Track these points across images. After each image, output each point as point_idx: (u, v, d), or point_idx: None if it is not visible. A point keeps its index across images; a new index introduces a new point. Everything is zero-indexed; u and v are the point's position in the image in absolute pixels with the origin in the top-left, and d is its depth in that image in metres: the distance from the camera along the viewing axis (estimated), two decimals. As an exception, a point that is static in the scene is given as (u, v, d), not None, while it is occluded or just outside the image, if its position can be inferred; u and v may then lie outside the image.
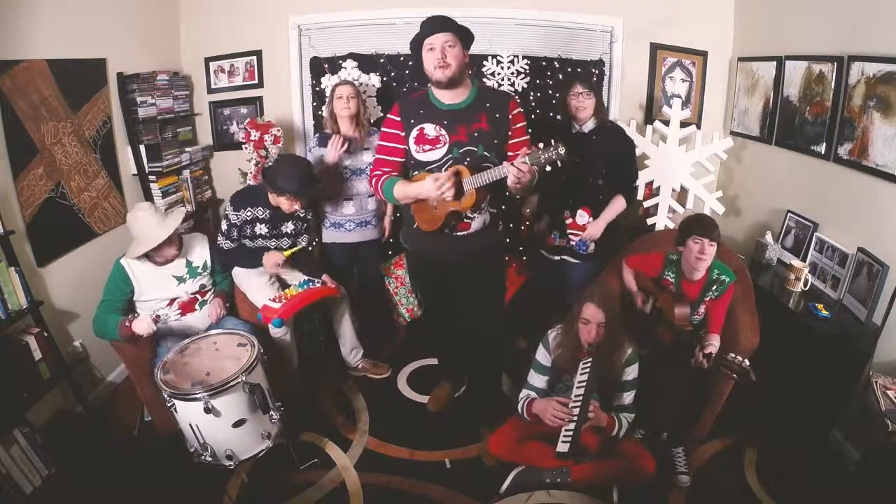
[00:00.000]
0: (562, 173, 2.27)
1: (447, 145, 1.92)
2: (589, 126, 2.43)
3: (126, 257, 2.17)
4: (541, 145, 1.72)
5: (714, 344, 2.04)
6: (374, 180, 2.04)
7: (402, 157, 2.01)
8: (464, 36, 1.88)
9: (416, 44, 1.90)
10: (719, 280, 2.11)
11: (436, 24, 1.85)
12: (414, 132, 1.95)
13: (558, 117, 3.18)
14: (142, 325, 2.03)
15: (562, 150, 1.67)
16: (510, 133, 1.94)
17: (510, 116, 1.94)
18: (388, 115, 2.03)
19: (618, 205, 2.46)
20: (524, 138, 1.97)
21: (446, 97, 1.94)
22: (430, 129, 1.93)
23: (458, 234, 2.00)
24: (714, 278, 2.12)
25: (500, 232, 2.16)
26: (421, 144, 1.95)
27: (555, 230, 2.56)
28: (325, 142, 2.57)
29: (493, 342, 2.28)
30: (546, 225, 2.59)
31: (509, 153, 1.94)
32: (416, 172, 1.99)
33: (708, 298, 2.14)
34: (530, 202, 2.99)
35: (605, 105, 3.16)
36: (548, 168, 1.74)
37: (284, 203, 2.33)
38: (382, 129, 2.04)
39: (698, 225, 2.08)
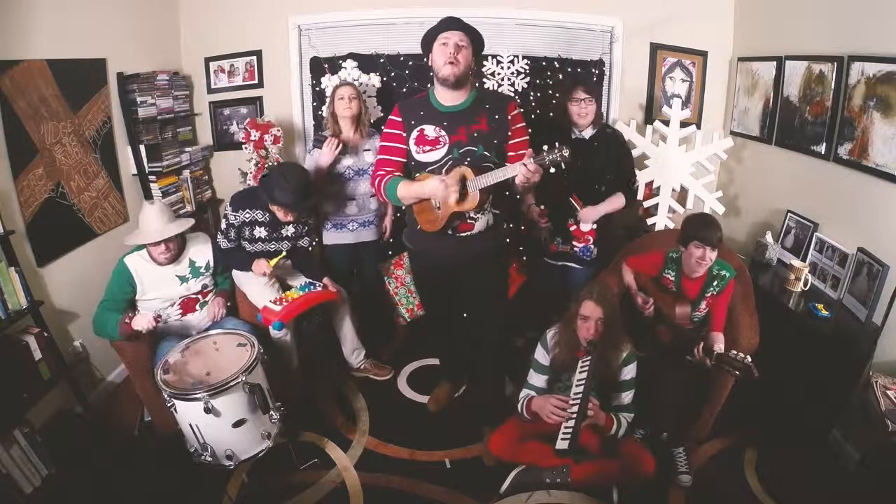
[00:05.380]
0: (564, 179, 2.27)
1: (447, 146, 1.93)
2: (589, 132, 2.41)
3: (125, 241, 2.19)
4: (545, 147, 1.73)
5: (719, 344, 2.04)
6: (376, 180, 2.04)
7: (404, 158, 2.02)
8: (476, 41, 1.92)
9: (429, 39, 1.92)
10: (720, 276, 2.11)
11: (453, 23, 1.89)
12: (414, 133, 1.97)
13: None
14: (142, 322, 2.03)
15: (566, 153, 1.70)
16: (510, 133, 1.96)
17: (509, 117, 1.96)
18: (390, 116, 2.04)
19: (617, 200, 2.44)
20: (524, 138, 1.99)
21: (447, 98, 1.95)
22: (430, 131, 1.95)
23: (462, 234, 2.01)
24: (714, 274, 2.11)
25: (504, 232, 2.16)
26: (421, 145, 1.96)
27: (558, 237, 2.54)
28: (321, 145, 2.56)
29: (495, 342, 2.28)
30: (549, 232, 2.57)
31: (510, 153, 1.96)
32: (418, 174, 1.99)
33: (709, 295, 2.14)
34: (528, 198, 2.98)
35: (604, 109, 3.15)
36: (552, 170, 1.75)
37: (279, 212, 2.33)
38: (384, 129, 2.06)
39: (701, 229, 2.04)
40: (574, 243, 2.50)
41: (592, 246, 2.48)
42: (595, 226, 2.45)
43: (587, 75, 3.19)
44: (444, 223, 1.96)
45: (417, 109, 1.99)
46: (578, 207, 2.40)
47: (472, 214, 1.96)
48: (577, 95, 2.35)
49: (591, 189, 2.44)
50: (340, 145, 2.54)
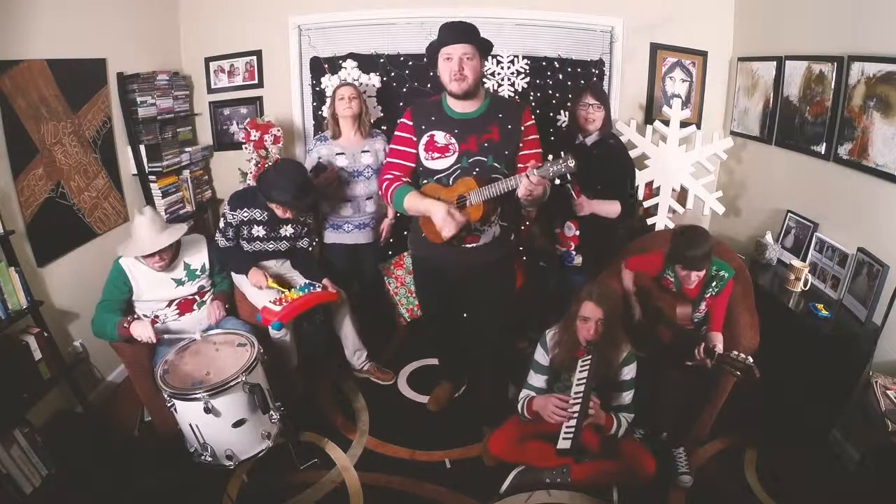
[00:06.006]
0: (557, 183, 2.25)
1: (457, 154, 1.89)
2: (592, 139, 2.37)
3: (119, 252, 2.18)
4: (550, 157, 1.69)
5: (718, 344, 2.04)
6: (384, 184, 1.99)
7: (414, 162, 1.98)
8: (483, 47, 1.84)
9: (433, 50, 1.86)
10: (718, 276, 2.10)
11: (456, 34, 1.79)
12: (424, 139, 1.93)
13: (558, 117, 3.19)
14: (140, 331, 2.03)
15: (571, 164, 1.64)
16: (521, 144, 1.92)
17: (522, 128, 1.90)
18: (401, 119, 2.00)
19: (611, 206, 2.35)
20: (536, 150, 1.94)
21: (459, 106, 1.91)
22: (441, 138, 1.91)
23: (467, 245, 1.97)
24: (713, 274, 2.11)
25: (511, 244, 2.11)
26: (430, 152, 1.92)
27: (544, 238, 2.54)
28: (321, 148, 2.56)
29: (495, 343, 2.27)
30: (539, 232, 2.56)
31: (519, 165, 1.92)
32: (426, 181, 1.96)
33: (708, 295, 2.13)
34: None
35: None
36: (556, 181, 1.71)
37: (278, 210, 2.33)
38: (395, 132, 2.02)
39: (685, 251, 1.97)
40: (557, 247, 2.49)
41: (574, 252, 2.45)
42: (578, 232, 2.41)
43: (587, 75, 3.19)
44: None
45: (429, 114, 1.94)
46: (575, 195, 2.35)
47: (478, 226, 1.93)
48: (586, 101, 2.31)
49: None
50: (337, 180, 2.58)
